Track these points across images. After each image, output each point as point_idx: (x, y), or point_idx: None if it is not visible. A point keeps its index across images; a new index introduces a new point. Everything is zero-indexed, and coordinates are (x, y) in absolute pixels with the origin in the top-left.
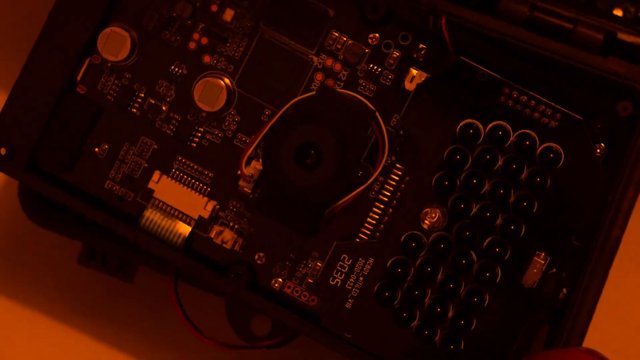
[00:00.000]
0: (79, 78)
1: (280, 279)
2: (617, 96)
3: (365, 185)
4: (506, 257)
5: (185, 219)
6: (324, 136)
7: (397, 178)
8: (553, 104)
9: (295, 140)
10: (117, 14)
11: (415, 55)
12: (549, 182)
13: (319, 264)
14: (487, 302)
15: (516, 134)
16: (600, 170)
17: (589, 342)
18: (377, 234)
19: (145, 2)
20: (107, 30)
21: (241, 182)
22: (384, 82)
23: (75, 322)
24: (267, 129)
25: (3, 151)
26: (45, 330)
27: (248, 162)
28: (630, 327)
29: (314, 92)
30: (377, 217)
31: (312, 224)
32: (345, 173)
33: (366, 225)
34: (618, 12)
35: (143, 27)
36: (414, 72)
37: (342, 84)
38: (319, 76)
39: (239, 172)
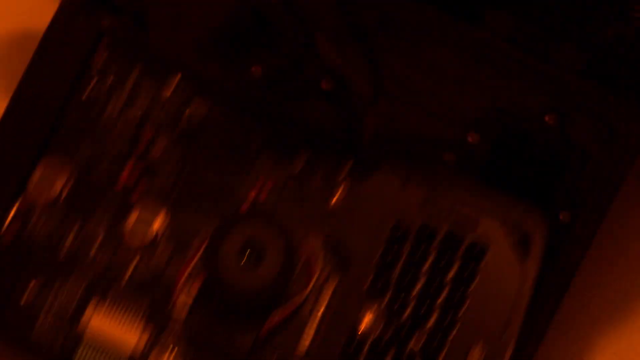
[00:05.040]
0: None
1: None
2: (593, 119)
3: (300, 301)
4: (443, 353)
5: (122, 350)
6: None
7: (327, 298)
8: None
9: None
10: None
11: (338, 178)
12: (477, 275)
13: None
14: None
15: (444, 231)
16: (520, 265)
17: (589, 346)
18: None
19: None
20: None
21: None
22: (308, 204)
23: None
24: (199, 255)
25: None
26: None
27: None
28: (631, 329)
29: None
30: (313, 333)
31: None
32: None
33: (303, 342)
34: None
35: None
36: (337, 192)
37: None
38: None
39: (177, 285)
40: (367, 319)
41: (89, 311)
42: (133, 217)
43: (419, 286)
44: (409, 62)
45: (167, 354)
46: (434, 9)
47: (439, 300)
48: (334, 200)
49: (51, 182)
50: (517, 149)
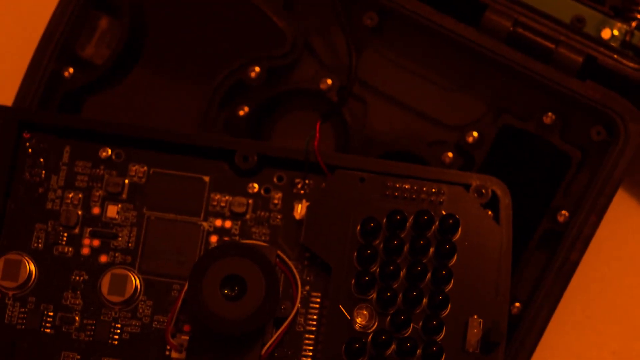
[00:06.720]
0: None
1: None
2: (592, 120)
3: (291, 316)
4: (443, 330)
5: None
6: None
7: (317, 306)
8: (434, 182)
9: (220, 274)
10: (4, 243)
11: (295, 191)
12: (456, 247)
13: None
14: None
15: (413, 213)
16: (494, 225)
17: (588, 344)
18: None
19: (28, 225)
20: (1, 260)
21: (174, 355)
22: (274, 223)
23: None
24: (180, 301)
25: None
26: None
27: (173, 336)
28: (629, 328)
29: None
30: (312, 342)
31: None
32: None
33: (305, 352)
34: (606, 33)
35: (34, 249)
36: (299, 205)
37: (237, 238)
38: (214, 238)
39: (168, 347)
40: (361, 316)
41: None
42: (107, 274)
43: (403, 271)
44: (409, 62)
45: None
46: (434, 9)
47: (426, 281)
48: (299, 210)
49: (16, 269)
50: (517, 148)
